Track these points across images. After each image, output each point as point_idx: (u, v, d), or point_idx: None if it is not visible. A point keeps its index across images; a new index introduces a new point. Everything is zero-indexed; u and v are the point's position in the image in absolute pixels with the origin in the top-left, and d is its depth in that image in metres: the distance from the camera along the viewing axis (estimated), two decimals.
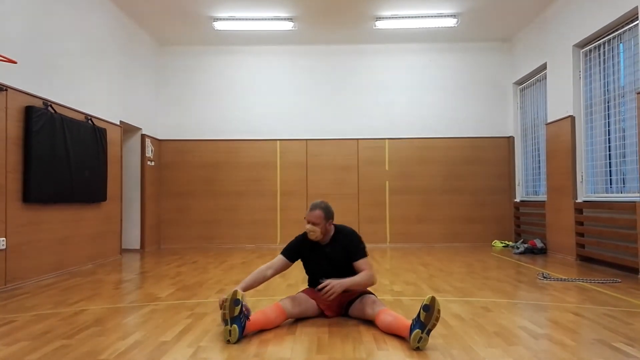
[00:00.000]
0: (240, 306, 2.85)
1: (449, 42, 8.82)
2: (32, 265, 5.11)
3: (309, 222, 3.31)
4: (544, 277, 5.02)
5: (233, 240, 8.75)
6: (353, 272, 3.32)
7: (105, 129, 6.63)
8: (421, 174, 8.80)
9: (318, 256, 3.39)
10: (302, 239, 3.45)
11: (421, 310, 2.69)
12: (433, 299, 2.68)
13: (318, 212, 3.29)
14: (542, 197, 7.71)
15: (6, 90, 4.75)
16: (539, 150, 7.96)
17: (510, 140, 8.81)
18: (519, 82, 8.62)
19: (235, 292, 2.87)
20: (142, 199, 8.15)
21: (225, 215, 8.79)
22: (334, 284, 3.14)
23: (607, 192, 6.13)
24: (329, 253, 3.37)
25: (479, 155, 8.82)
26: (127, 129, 7.90)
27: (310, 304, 3.34)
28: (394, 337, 2.90)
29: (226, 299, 2.86)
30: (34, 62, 5.28)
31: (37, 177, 5.11)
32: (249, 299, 4.07)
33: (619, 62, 5.91)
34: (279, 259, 3.42)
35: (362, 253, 3.34)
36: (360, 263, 3.30)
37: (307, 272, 3.54)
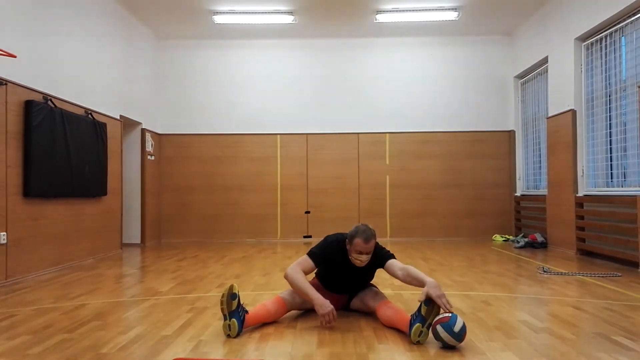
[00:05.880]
0: (237, 300, 2.86)
1: (450, 35, 8.78)
2: (33, 260, 5.12)
3: (362, 252, 3.07)
4: (545, 271, 5.03)
5: (233, 235, 8.76)
6: (370, 278, 3.37)
7: (105, 124, 6.62)
8: (422, 168, 8.79)
9: (345, 267, 3.24)
10: (334, 248, 3.23)
11: (422, 305, 2.69)
12: None
13: (373, 244, 3.10)
14: (543, 191, 7.70)
15: (6, 84, 4.74)
16: (539, 144, 7.95)
17: (511, 134, 8.79)
18: (520, 76, 8.59)
19: (231, 287, 2.87)
20: (142, 193, 8.15)
21: (225, 209, 8.80)
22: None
23: (607, 186, 6.13)
24: (358, 266, 3.20)
25: (479, 149, 8.80)
26: (127, 124, 7.89)
27: None
28: (395, 331, 2.91)
29: (223, 294, 2.86)
30: (34, 56, 5.26)
31: (38, 172, 5.10)
32: (251, 293, 4.08)
33: (620, 56, 5.89)
34: (307, 261, 3.20)
35: (389, 254, 3.23)
36: (393, 262, 3.17)
37: (325, 276, 3.37)
